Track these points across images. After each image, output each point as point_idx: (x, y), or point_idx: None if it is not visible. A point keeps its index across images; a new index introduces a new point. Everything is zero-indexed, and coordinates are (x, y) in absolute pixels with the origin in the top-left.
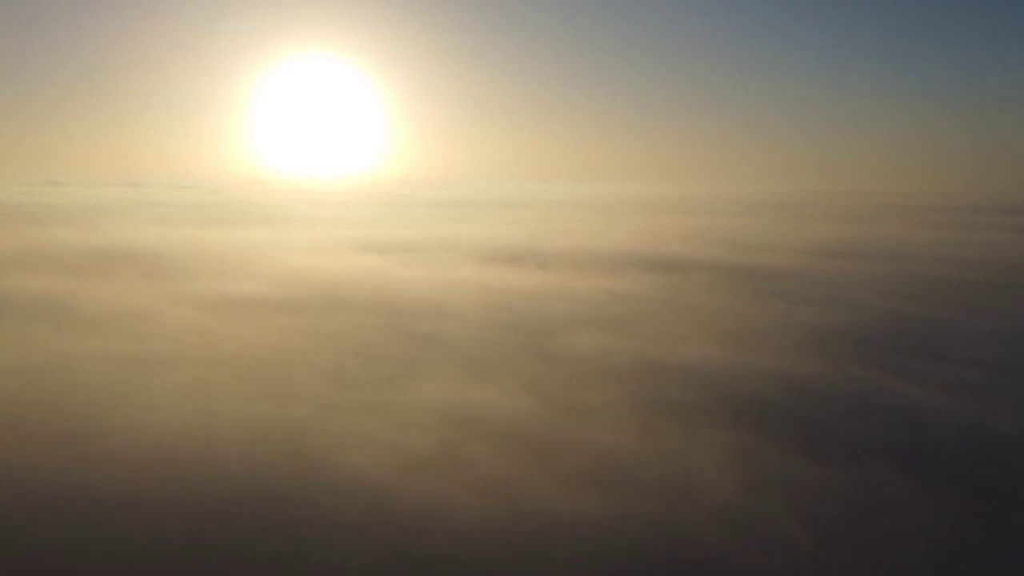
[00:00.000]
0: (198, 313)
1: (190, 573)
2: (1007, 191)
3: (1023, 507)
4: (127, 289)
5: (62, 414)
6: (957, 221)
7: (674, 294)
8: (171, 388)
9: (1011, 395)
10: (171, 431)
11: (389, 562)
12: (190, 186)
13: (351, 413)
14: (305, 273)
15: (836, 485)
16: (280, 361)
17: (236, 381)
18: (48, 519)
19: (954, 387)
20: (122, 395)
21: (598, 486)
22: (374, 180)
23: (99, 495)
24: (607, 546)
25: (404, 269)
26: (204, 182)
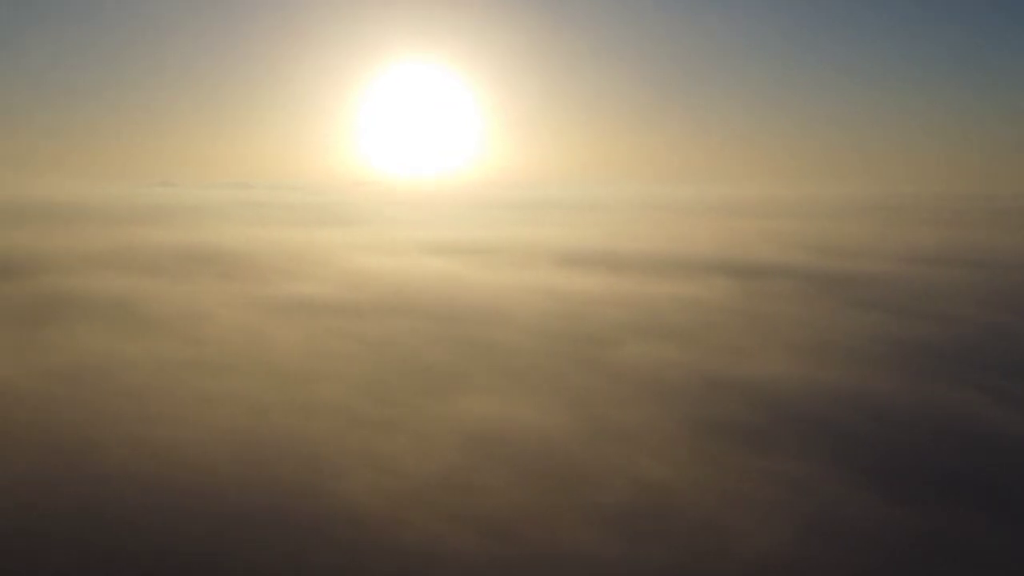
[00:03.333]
0: (259, 316)
1: None
2: None
3: None
4: (199, 290)
5: (91, 419)
6: None
7: (750, 302)
8: (206, 397)
9: None
10: (187, 444)
11: None
12: (296, 188)
13: (375, 429)
14: (373, 275)
15: (913, 529)
16: (322, 369)
17: (272, 391)
18: (52, 529)
19: None
20: (156, 403)
21: (625, 525)
22: (466, 181)
23: (89, 506)
24: None
25: (472, 272)
26: (309, 184)
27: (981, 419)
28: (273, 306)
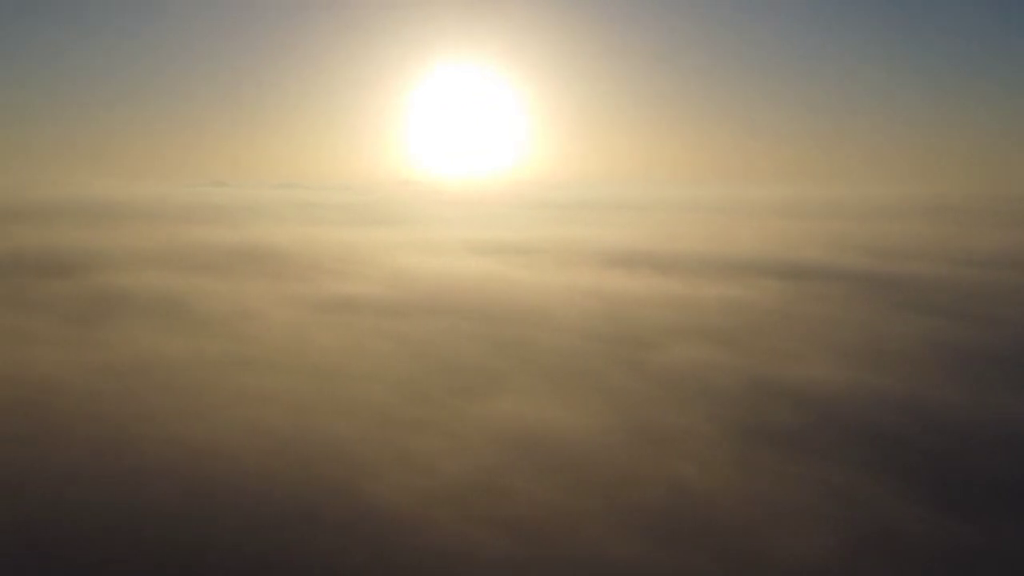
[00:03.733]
0: (303, 315)
1: None
2: None
3: None
4: (246, 288)
5: (134, 415)
6: None
7: (800, 304)
8: (246, 395)
9: None
10: (223, 441)
11: None
12: (343, 188)
13: (410, 428)
14: (417, 275)
15: (966, 544)
16: (361, 368)
17: (311, 389)
18: (91, 521)
19: None
20: (197, 400)
21: (661, 531)
22: (511, 180)
23: (127, 500)
24: None
25: (515, 272)
26: (356, 184)
27: None
28: (317, 305)
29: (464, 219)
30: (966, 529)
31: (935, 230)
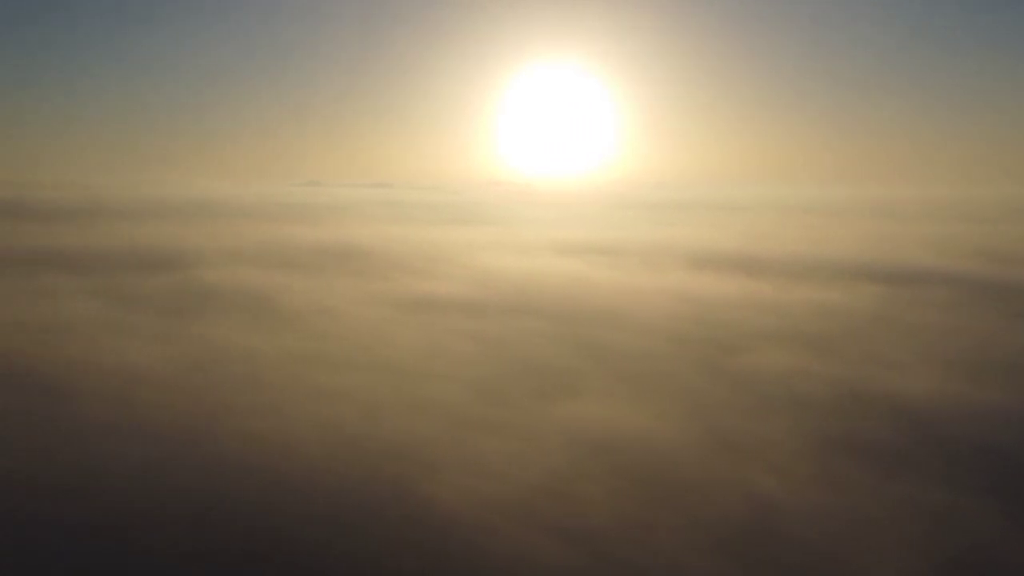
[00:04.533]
0: (384, 313)
1: None
2: None
3: None
4: (331, 286)
5: (211, 410)
6: None
7: (900, 310)
8: (320, 392)
9: None
10: (293, 437)
11: None
12: (434, 187)
13: (481, 430)
14: (501, 274)
15: None
16: (437, 368)
17: (385, 388)
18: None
19: None
20: (273, 396)
21: (733, 548)
22: (603, 180)
23: (197, 493)
24: None
25: (601, 273)
26: (448, 183)
27: None
28: (400, 303)
29: (552, 219)
30: None
31: None
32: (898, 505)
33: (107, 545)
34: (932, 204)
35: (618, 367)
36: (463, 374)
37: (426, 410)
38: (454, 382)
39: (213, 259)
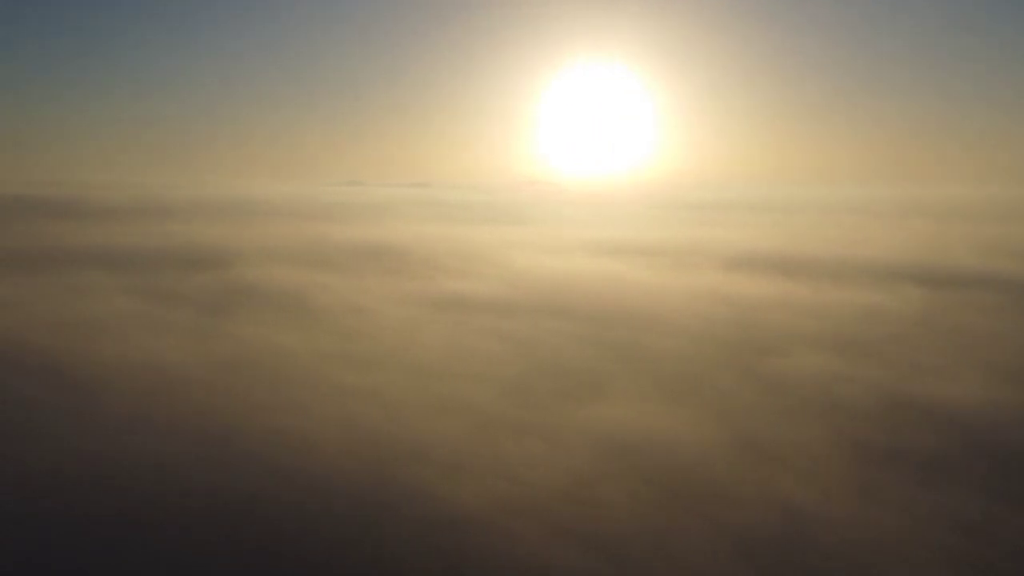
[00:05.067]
0: (416, 312)
1: None
2: None
3: None
4: (365, 286)
5: (239, 407)
6: None
7: (944, 314)
8: (347, 391)
9: None
10: (316, 435)
11: None
12: (472, 187)
13: (505, 432)
14: (535, 274)
15: None
16: (465, 368)
17: (411, 388)
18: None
19: None
20: (300, 394)
21: (759, 557)
22: (641, 180)
23: (219, 487)
24: None
25: (636, 273)
26: (486, 183)
27: None
28: (432, 302)
29: (588, 219)
30: None
31: None
32: (938, 517)
33: (136, 536)
34: (978, 204)
35: (649, 369)
36: (491, 374)
37: (451, 410)
38: (481, 382)
39: (253, 258)
